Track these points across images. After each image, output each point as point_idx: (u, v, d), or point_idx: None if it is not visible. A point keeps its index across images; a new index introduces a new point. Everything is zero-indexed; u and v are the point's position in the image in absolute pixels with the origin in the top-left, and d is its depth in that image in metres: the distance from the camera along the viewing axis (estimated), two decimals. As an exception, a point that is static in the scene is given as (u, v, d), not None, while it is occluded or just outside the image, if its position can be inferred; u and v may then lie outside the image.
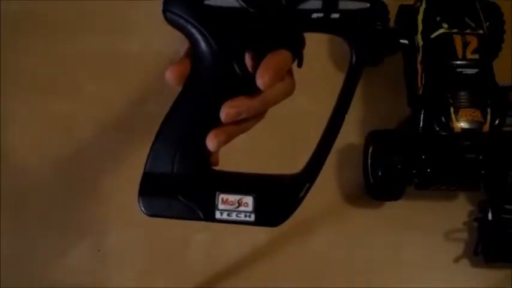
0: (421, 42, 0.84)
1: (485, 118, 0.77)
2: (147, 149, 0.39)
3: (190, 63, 0.35)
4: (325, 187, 0.86)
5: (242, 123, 0.35)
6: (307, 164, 0.37)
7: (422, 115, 0.81)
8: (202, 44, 0.33)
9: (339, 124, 0.35)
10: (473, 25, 0.82)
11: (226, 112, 0.33)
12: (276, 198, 0.35)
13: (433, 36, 0.83)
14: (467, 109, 0.78)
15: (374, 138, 0.86)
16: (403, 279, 0.85)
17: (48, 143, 0.90)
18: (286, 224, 0.81)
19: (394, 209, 0.88)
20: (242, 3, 0.31)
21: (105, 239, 0.85)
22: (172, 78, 0.34)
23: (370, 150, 0.86)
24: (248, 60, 0.35)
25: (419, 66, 0.84)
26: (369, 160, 0.86)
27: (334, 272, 0.85)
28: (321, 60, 0.96)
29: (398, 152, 0.82)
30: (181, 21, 0.33)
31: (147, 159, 0.37)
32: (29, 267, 0.83)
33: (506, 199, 0.81)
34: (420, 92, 0.83)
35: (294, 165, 0.39)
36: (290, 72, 0.36)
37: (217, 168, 0.38)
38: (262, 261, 0.82)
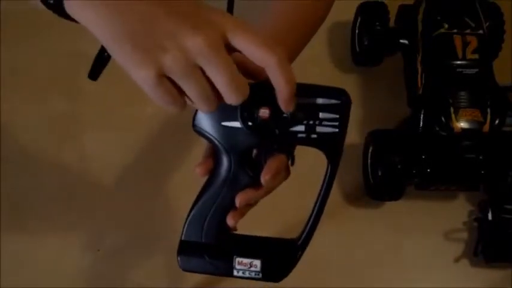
0: (421, 42, 0.84)
1: (485, 118, 0.77)
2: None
3: (213, 161, 0.46)
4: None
5: (251, 205, 0.48)
6: (300, 235, 0.48)
7: (422, 115, 0.81)
8: (222, 151, 0.45)
9: (322, 208, 0.47)
10: (473, 25, 0.82)
11: (239, 201, 0.45)
12: (277, 262, 0.48)
13: (433, 36, 0.83)
14: (467, 109, 0.78)
15: (374, 138, 0.86)
16: (403, 279, 0.85)
17: (48, 142, 0.90)
18: (286, 224, 0.81)
19: (394, 209, 0.88)
20: (244, 127, 0.43)
21: (105, 239, 0.85)
22: (200, 174, 0.46)
23: (370, 150, 0.86)
24: (255, 155, 0.47)
25: (419, 66, 0.84)
26: (369, 160, 0.86)
27: (334, 272, 0.85)
28: (319, 64, 0.96)
29: (398, 152, 0.82)
30: (206, 134, 0.45)
31: (182, 230, 0.48)
32: (29, 267, 0.83)
33: (506, 199, 0.81)
34: (420, 92, 0.83)
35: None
36: (286, 167, 0.47)
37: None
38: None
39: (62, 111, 0.92)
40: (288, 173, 0.47)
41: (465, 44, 0.81)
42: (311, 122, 0.44)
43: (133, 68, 0.37)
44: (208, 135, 0.45)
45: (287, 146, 0.46)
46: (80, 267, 0.83)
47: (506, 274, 0.85)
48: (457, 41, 0.81)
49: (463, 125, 0.77)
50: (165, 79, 0.37)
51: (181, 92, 0.39)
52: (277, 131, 0.44)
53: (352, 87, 0.96)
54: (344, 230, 0.87)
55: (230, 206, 0.46)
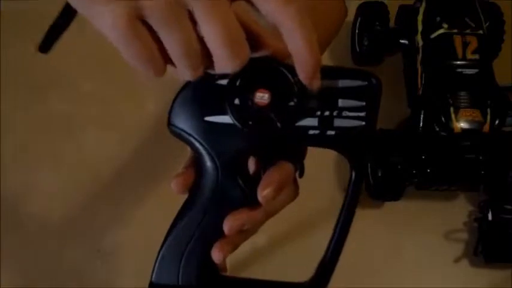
0: (421, 42, 0.84)
1: (485, 118, 0.77)
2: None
3: (195, 172, 0.35)
4: (325, 187, 0.86)
5: (246, 232, 0.36)
6: (315, 275, 0.36)
7: (422, 115, 0.81)
8: (206, 158, 0.34)
9: (344, 236, 0.35)
10: (473, 25, 0.82)
11: (229, 226, 0.34)
12: None
13: (433, 36, 0.83)
14: (467, 109, 0.78)
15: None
16: (403, 279, 0.85)
17: (47, 143, 0.90)
18: (286, 224, 0.81)
19: (394, 209, 0.88)
20: (236, 122, 0.33)
21: (105, 239, 0.85)
22: (176, 190, 0.35)
23: (370, 150, 0.86)
24: (251, 165, 0.36)
25: (419, 66, 0.84)
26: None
27: (334, 272, 0.85)
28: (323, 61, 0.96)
29: (398, 152, 0.82)
30: (185, 135, 0.34)
31: (153, 269, 0.37)
32: (29, 267, 0.83)
33: (506, 199, 0.81)
34: (420, 92, 0.83)
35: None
36: (294, 180, 0.35)
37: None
38: (262, 261, 0.82)
39: (61, 111, 0.92)
40: (296, 188, 0.36)
41: (465, 44, 0.81)
42: (327, 113, 0.33)
43: (99, 5, 0.28)
44: (187, 136, 0.34)
45: (293, 148, 0.35)
46: (80, 267, 0.83)
47: (506, 274, 0.84)
48: (457, 41, 0.81)
49: (463, 125, 0.77)
50: (140, 24, 0.28)
51: (160, 49, 0.29)
52: (279, 125, 0.32)
53: (352, 87, 0.96)
54: (344, 230, 0.87)
55: (217, 234, 0.35)
